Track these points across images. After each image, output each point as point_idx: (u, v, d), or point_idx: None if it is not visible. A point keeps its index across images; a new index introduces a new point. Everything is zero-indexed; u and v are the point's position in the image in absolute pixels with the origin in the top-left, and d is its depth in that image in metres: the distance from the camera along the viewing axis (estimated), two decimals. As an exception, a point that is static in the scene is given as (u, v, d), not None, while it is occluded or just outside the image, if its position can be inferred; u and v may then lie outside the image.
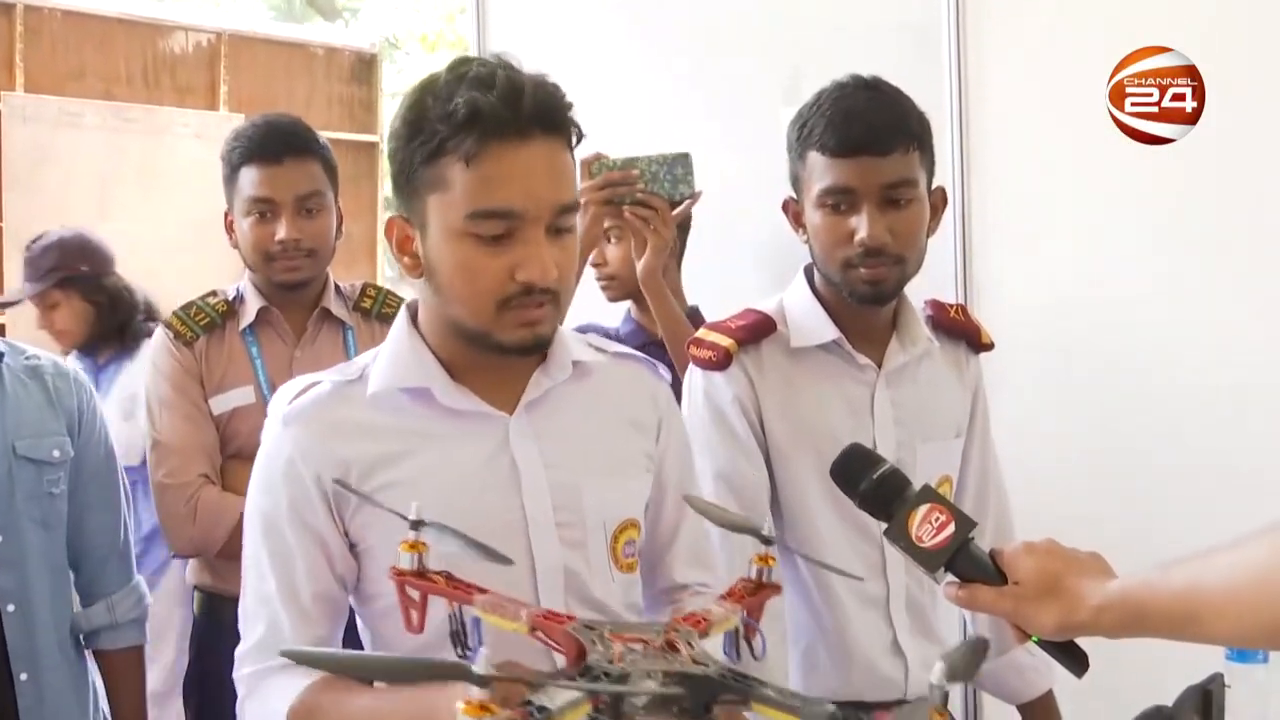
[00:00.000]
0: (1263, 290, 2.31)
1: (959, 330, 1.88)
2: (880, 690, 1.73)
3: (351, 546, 1.37)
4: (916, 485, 1.30)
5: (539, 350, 1.38)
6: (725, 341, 1.74)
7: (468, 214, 1.29)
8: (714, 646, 1.23)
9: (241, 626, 1.41)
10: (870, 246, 1.65)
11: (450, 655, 1.19)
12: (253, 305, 2.31)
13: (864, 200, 1.65)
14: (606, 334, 2.46)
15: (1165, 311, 2.41)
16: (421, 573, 1.21)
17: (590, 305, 2.47)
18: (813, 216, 1.71)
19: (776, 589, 1.32)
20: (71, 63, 3.82)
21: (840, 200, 1.66)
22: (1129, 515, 2.31)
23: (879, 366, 1.76)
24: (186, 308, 2.32)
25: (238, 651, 1.40)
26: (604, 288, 2.50)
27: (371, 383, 1.39)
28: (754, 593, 1.30)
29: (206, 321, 2.29)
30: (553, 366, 1.42)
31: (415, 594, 1.22)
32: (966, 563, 1.25)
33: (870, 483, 1.31)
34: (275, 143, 2.25)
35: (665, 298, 2.24)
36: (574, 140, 1.35)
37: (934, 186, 1.74)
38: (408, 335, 1.41)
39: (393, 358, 1.41)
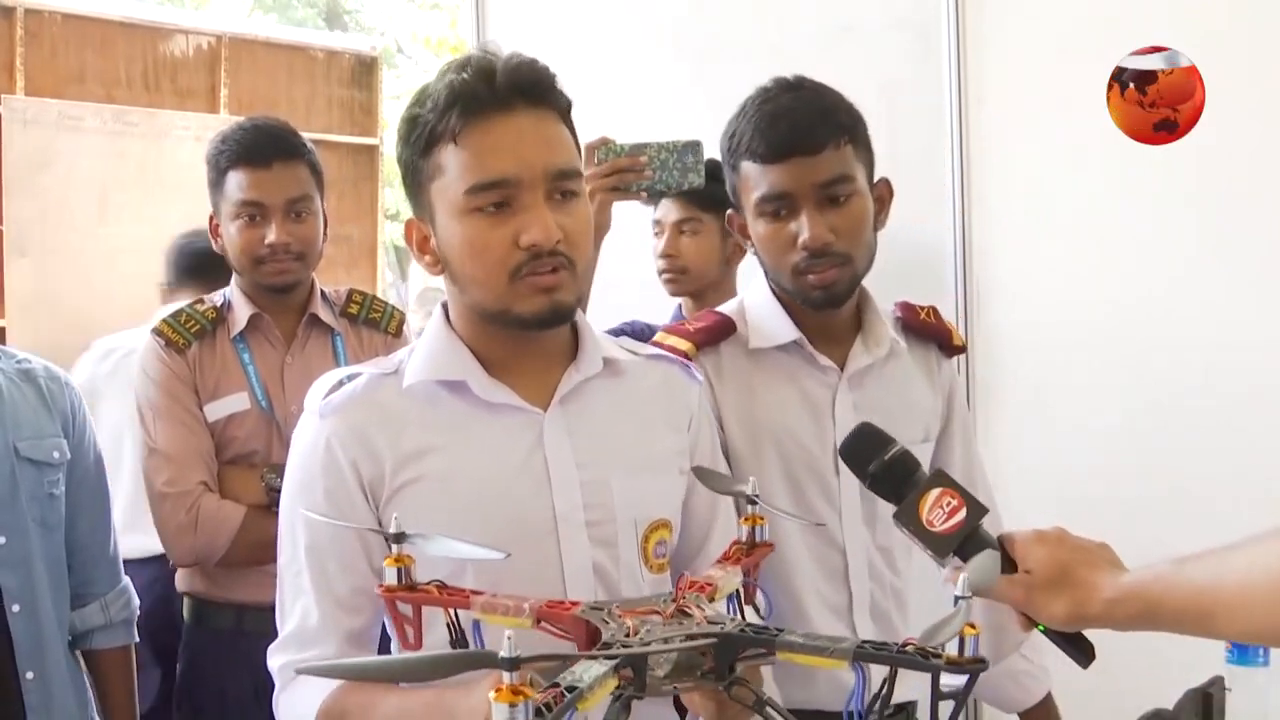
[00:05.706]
0: (1263, 288, 2.31)
1: (930, 332, 1.85)
2: (844, 700, 1.70)
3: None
4: None
5: (561, 320, 1.37)
6: (684, 345, 1.72)
7: (465, 190, 1.31)
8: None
9: (278, 619, 1.42)
10: (814, 248, 1.63)
11: None
12: (242, 312, 2.30)
13: (802, 203, 1.63)
14: (651, 330, 2.44)
15: (1166, 311, 2.41)
16: (411, 586, 1.20)
17: (631, 305, 2.47)
18: (755, 226, 1.69)
19: (770, 546, 1.31)
20: (72, 66, 3.82)
21: (779, 206, 1.65)
22: (1130, 513, 2.30)
23: (841, 368, 1.73)
24: (176, 315, 2.31)
25: (272, 644, 1.41)
26: (670, 280, 2.49)
27: (407, 375, 1.40)
28: (749, 553, 1.29)
29: (197, 329, 2.28)
30: (584, 362, 1.43)
31: (408, 609, 1.20)
32: (976, 549, 1.23)
33: (881, 464, 1.30)
34: (264, 146, 2.24)
35: None
36: (565, 110, 1.36)
37: (876, 179, 1.71)
38: (444, 330, 1.42)
39: (429, 352, 1.41)
